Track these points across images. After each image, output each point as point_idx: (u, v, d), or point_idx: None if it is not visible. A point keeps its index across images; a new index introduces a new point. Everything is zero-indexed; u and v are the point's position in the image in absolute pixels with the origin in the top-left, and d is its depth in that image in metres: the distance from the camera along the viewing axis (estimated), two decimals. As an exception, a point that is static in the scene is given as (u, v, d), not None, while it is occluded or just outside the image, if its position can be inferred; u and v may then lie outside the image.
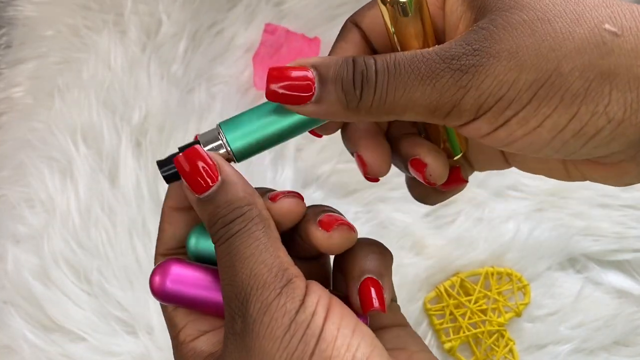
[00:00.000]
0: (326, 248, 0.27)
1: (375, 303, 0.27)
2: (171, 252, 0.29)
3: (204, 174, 0.26)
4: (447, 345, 0.51)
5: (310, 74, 0.26)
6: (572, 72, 0.22)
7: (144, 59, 0.61)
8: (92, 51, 0.62)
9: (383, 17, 0.26)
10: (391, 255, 0.29)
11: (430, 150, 0.28)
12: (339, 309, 0.25)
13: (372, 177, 0.30)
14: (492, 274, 0.51)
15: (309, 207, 0.30)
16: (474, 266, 0.52)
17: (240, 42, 0.63)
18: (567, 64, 0.22)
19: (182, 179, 0.26)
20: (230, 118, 0.28)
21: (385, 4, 0.25)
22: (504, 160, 0.30)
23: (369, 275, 0.27)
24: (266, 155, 0.57)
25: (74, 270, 0.51)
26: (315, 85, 0.25)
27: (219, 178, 0.26)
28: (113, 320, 0.49)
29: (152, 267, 0.48)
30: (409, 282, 0.51)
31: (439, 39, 0.27)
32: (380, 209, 0.55)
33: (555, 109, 0.23)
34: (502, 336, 0.50)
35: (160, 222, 0.29)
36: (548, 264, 0.53)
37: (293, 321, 0.24)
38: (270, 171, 0.56)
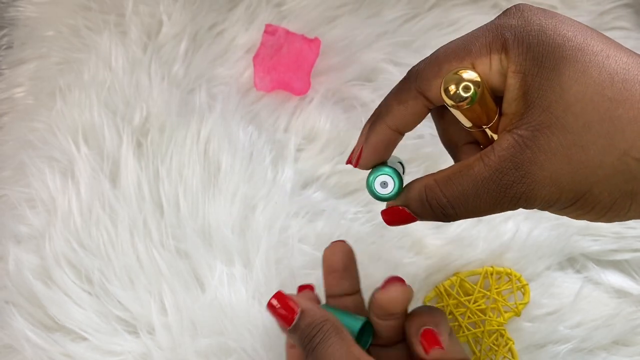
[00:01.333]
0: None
1: (438, 342, 0.34)
2: None
3: (289, 309, 0.36)
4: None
5: (407, 212, 0.34)
6: (601, 193, 0.28)
7: (144, 60, 0.61)
8: (93, 52, 0.62)
9: (453, 114, 0.31)
10: (442, 312, 0.37)
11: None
12: None
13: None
14: (492, 274, 0.52)
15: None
16: (473, 266, 0.52)
17: (241, 43, 0.63)
18: (597, 188, 0.27)
19: (276, 319, 0.36)
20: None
21: (450, 101, 0.29)
22: None
23: (426, 327, 0.36)
24: (266, 156, 0.57)
25: (75, 270, 0.51)
26: (413, 216, 0.33)
27: (299, 310, 0.36)
28: (114, 320, 0.50)
29: (153, 267, 0.48)
30: (408, 281, 0.51)
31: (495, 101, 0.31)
32: (380, 208, 0.55)
33: (588, 214, 0.29)
34: (502, 336, 0.50)
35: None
36: (547, 263, 0.53)
37: None
38: (271, 171, 0.57)
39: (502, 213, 0.55)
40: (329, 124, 0.59)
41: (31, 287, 0.50)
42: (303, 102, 0.60)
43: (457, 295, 0.51)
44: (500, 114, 0.30)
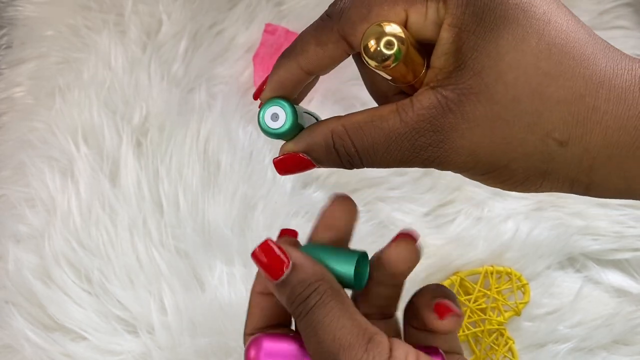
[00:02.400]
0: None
1: (452, 309, 0.31)
2: (258, 331, 0.33)
3: (277, 261, 0.30)
4: (447, 344, 0.51)
5: (305, 159, 0.30)
6: (517, 169, 0.27)
7: (144, 59, 0.61)
8: (93, 51, 0.62)
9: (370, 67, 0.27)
10: (453, 292, 0.34)
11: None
12: (425, 357, 0.27)
13: None
14: (492, 273, 0.52)
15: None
16: (473, 265, 0.52)
17: (241, 42, 0.63)
18: (514, 164, 0.27)
19: (261, 271, 0.31)
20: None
21: (371, 61, 0.26)
22: None
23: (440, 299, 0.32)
24: (266, 155, 0.57)
25: (75, 269, 0.51)
26: (313, 162, 0.30)
27: (290, 263, 0.30)
28: (114, 320, 0.49)
29: (153, 266, 0.48)
30: (408, 281, 0.51)
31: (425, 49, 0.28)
32: (380, 208, 0.55)
33: (499, 184, 0.28)
34: (502, 335, 0.50)
35: (249, 306, 0.33)
36: (547, 263, 0.53)
37: None
38: (271, 171, 0.57)
39: (502, 212, 0.55)
40: (329, 124, 0.59)
41: (31, 287, 0.50)
42: (303, 102, 0.60)
43: (457, 295, 0.51)
44: (427, 67, 0.27)
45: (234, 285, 0.50)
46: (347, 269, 0.31)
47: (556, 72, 0.25)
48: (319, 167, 0.30)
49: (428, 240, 0.53)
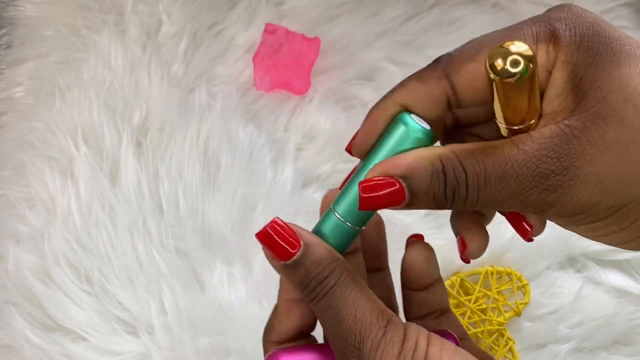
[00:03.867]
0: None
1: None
2: (285, 340, 0.32)
3: (287, 241, 0.28)
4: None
5: (400, 187, 0.26)
6: None
7: (144, 59, 0.61)
8: (93, 51, 0.62)
9: (490, 85, 0.24)
10: None
11: (474, 233, 0.31)
12: (438, 338, 0.27)
13: (467, 258, 0.32)
14: (492, 274, 0.52)
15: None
16: (473, 265, 0.52)
17: (241, 42, 0.63)
18: None
19: (267, 249, 0.29)
20: (338, 196, 0.29)
21: (496, 77, 0.24)
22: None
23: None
24: (266, 155, 0.57)
25: (75, 269, 0.51)
26: (406, 195, 0.26)
27: (302, 243, 0.28)
28: (114, 320, 0.49)
29: (153, 266, 0.48)
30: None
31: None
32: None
33: (625, 230, 0.25)
34: (502, 335, 0.50)
35: (277, 312, 0.32)
36: (548, 263, 0.53)
37: (400, 352, 0.26)
38: (271, 171, 0.57)
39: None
40: (329, 123, 0.59)
41: (31, 287, 0.50)
42: (303, 102, 0.60)
43: (457, 295, 0.51)
44: (540, 116, 0.25)
45: (234, 285, 0.50)
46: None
47: None
48: (405, 206, 0.26)
49: (428, 241, 0.53)
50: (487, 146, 0.25)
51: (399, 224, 0.54)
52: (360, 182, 0.26)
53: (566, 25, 0.25)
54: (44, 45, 0.64)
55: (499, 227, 0.54)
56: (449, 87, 0.27)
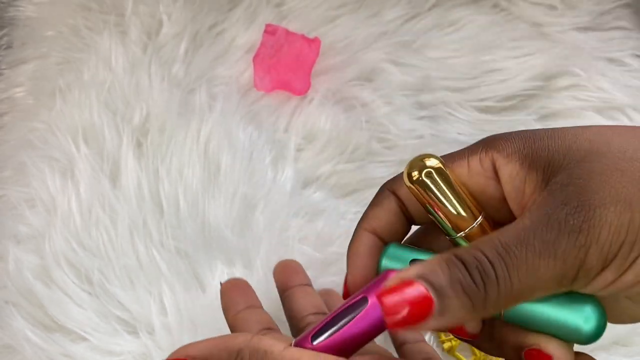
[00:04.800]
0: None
1: None
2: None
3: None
4: (447, 345, 0.51)
5: (423, 289, 0.23)
6: None
7: (144, 60, 0.61)
8: (93, 52, 0.62)
9: (415, 196, 0.28)
10: None
11: (551, 338, 0.27)
12: None
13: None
14: (492, 274, 0.52)
15: None
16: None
17: (241, 43, 0.63)
18: None
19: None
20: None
21: (413, 184, 0.27)
22: None
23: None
24: (266, 156, 0.57)
25: (75, 270, 0.51)
26: (434, 298, 0.23)
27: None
28: (114, 320, 0.50)
29: (153, 267, 0.48)
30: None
31: (495, 206, 0.28)
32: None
33: None
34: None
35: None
36: (547, 264, 0.53)
37: None
38: (271, 171, 0.57)
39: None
40: (329, 124, 0.59)
41: (31, 287, 0.50)
42: (303, 102, 0.60)
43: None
44: (494, 222, 0.27)
45: (234, 285, 0.50)
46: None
47: None
48: (439, 315, 0.23)
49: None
50: (493, 233, 0.24)
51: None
52: (378, 295, 0.23)
53: (502, 136, 0.27)
54: (45, 46, 0.64)
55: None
56: (398, 201, 0.29)
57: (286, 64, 0.60)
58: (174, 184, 0.55)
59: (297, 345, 0.27)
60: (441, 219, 0.27)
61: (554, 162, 0.25)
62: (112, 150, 0.56)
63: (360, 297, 0.26)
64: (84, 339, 0.49)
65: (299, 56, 0.60)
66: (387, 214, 0.29)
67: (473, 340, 0.28)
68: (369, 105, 0.60)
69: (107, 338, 0.49)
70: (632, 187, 0.23)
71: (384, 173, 0.57)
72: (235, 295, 0.40)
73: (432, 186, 0.27)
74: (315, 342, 0.26)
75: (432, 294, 0.22)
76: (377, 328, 0.26)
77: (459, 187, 0.27)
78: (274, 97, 0.61)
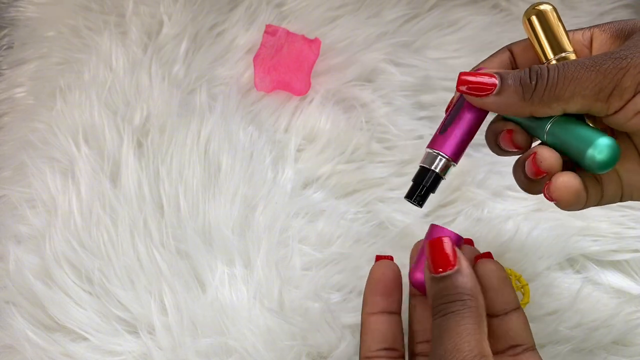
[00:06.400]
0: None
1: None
2: (373, 353, 0.35)
3: (444, 259, 0.32)
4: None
5: (495, 77, 0.32)
6: None
7: (145, 60, 0.61)
8: (94, 52, 0.62)
9: (532, 30, 0.35)
10: None
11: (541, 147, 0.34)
12: None
13: (540, 168, 0.33)
14: (492, 274, 0.52)
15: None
16: (473, 266, 0.52)
17: (241, 44, 0.63)
18: None
19: (428, 255, 0.32)
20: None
21: (531, 16, 0.35)
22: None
23: None
24: (267, 156, 0.57)
25: (76, 270, 0.51)
26: (497, 82, 0.32)
27: (456, 267, 0.31)
28: (114, 320, 0.50)
29: (153, 267, 0.48)
30: (408, 282, 0.51)
31: None
32: (380, 209, 0.55)
33: None
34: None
35: (361, 329, 0.35)
36: (547, 263, 0.53)
37: None
38: (271, 171, 0.57)
39: (501, 213, 0.55)
40: (329, 124, 0.59)
41: (31, 287, 0.50)
42: (303, 103, 0.60)
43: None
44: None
45: (235, 285, 0.50)
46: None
47: None
48: (496, 94, 0.32)
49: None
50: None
51: (398, 224, 0.54)
52: (461, 73, 0.34)
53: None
54: (45, 46, 0.64)
55: (499, 228, 0.54)
56: (511, 57, 0.36)
57: (286, 65, 0.60)
58: (174, 184, 0.55)
59: (431, 146, 0.37)
60: (543, 47, 0.34)
61: (633, 30, 0.31)
62: (113, 150, 0.56)
63: (459, 97, 0.36)
64: (85, 339, 0.49)
65: (299, 57, 0.60)
66: (499, 62, 0.36)
67: None
68: (369, 105, 0.60)
69: (108, 338, 0.49)
70: None
71: (384, 173, 0.57)
72: (379, 290, 0.37)
73: (542, 21, 0.34)
74: (441, 134, 0.37)
75: (497, 79, 0.32)
76: (474, 111, 0.35)
77: (562, 28, 0.35)
78: (274, 97, 0.61)
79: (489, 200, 0.56)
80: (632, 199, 0.35)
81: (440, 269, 0.31)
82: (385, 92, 0.61)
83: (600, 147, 0.31)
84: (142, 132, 0.58)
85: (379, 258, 0.36)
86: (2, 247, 0.53)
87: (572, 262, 0.54)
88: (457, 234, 0.36)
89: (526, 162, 0.33)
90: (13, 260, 0.52)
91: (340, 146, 0.58)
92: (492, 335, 0.34)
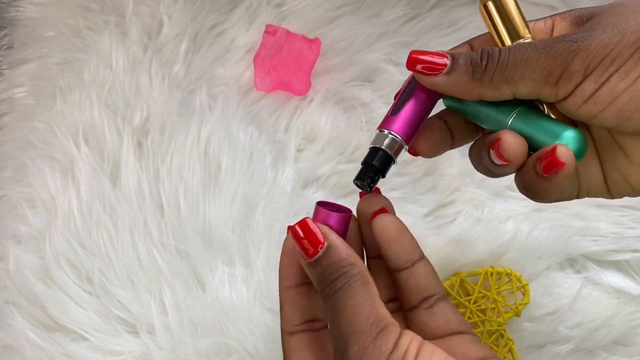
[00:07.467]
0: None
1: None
2: (295, 328, 0.33)
3: (313, 240, 0.31)
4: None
5: (447, 56, 0.32)
6: None
7: (145, 60, 0.61)
8: (94, 52, 0.62)
9: (488, 16, 0.34)
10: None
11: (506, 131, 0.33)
12: (430, 347, 0.27)
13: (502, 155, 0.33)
14: (492, 274, 0.52)
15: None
16: (473, 266, 0.52)
17: (241, 43, 0.63)
18: None
19: (296, 246, 0.31)
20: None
21: (487, 2, 0.34)
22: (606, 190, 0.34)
23: None
24: (267, 156, 0.57)
25: (76, 270, 0.51)
26: (448, 61, 0.32)
27: (325, 244, 0.31)
28: (114, 320, 0.50)
29: (153, 267, 0.48)
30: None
31: None
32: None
33: None
34: (502, 336, 0.50)
35: (280, 303, 0.34)
36: (547, 264, 0.53)
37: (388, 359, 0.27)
38: (271, 171, 0.57)
39: (502, 213, 0.55)
40: (329, 124, 0.59)
41: (31, 287, 0.50)
42: (303, 103, 0.60)
43: (457, 296, 0.51)
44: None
45: (235, 285, 0.50)
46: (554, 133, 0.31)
47: None
48: (446, 73, 0.32)
49: (428, 241, 0.53)
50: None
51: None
52: (412, 51, 0.33)
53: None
54: (45, 46, 0.64)
55: (499, 228, 0.54)
56: (470, 48, 0.35)
57: (286, 65, 0.60)
58: (174, 184, 0.55)
59: (382, 126, 0.35)
60: (500, 34, 0.33)
61: (591, 16, 0.31)
62: (113, 150, 0.57)
63: (411, 79, 0.35)
64: (85, 339, 0.49)
65: (299, 57, 0.60)
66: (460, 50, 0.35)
67: None
68: (369, 105, 0.60)
69: (108, 338, 0.49)
70: (634, 21, 0.28)
71: (384, 173, 0.57)
72: (294, 261, 0.34)
73: (499, 7, 0.33)
74: (393, 115, 0.35)
75: (448, 59, 0.32)
76: (426, 91, 0.34)
77: (520, 14, 0.34)
78: (274, 97, 0.61)
79: (489, 200, 0.56)
80: (588, 196, 0.34)
81: (312, 251, 0.31)
82: (385, 92, 0.61)
83: (567, 139, 0.30)
84: (142, 132, 0.58)
85: (290, 229, 0.32)
86: (2, 247, 0.53)
87: (572, 262, 0.54)
88: (343, 211, 0.34)
89: (491, 150, 0.32)
90: (13, 260, 0.52)
91: (340, 146, 0.58)
92: (403, 290, 0.34)
